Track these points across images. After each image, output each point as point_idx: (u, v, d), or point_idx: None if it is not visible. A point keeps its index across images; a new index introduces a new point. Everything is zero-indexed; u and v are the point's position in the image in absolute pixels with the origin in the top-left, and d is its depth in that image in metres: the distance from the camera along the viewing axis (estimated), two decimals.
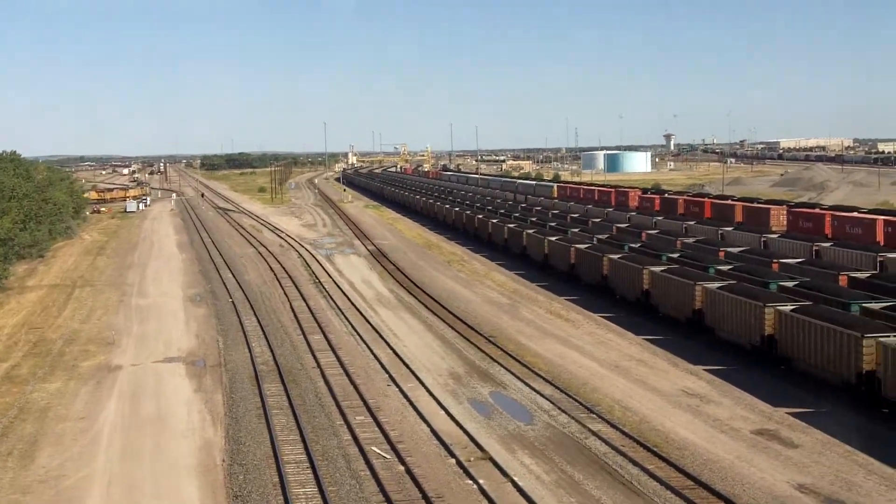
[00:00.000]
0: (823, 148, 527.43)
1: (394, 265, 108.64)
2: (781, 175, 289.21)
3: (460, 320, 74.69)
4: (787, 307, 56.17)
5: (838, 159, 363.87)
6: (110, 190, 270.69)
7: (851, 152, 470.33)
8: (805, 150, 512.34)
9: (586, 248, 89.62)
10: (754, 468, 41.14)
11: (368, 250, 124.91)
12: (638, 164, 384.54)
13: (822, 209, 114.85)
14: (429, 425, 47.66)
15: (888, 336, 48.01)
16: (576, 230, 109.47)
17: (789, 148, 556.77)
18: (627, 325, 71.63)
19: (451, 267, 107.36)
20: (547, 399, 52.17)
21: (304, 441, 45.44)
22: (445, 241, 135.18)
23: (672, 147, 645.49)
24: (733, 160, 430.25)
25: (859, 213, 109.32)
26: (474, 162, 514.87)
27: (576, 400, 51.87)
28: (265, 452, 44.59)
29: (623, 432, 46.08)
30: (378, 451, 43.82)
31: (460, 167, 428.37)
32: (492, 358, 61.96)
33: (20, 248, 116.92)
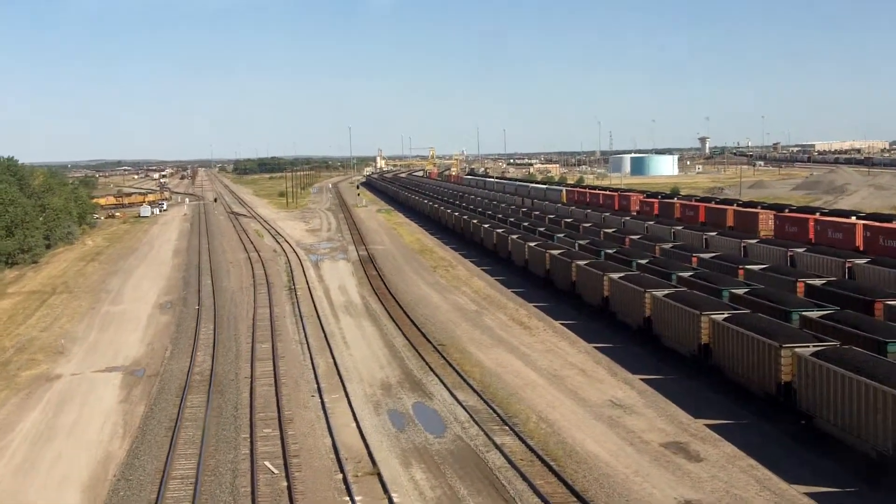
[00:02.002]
0: (858, 150, 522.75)
1: (377, 271, 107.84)
2: (806, 178, 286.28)
3: (417, 328, 73.73)
4: (721, 316, 54.82)
5: (867, 162, 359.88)
6: (129, 195, 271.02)
7: (886, 155, 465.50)
8: (839, 152, 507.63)
9: (559, 253, 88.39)
10: (647, 483, 39.97)
11: (359, 255, 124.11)
12: (664, 168, 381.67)
13: (808, 213, 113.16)
14: (333, 439, 46.69)
15: (807, 346, 46.60)
16: (561, 235, 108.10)
17: (823, 151, 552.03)
18: (583, 333, 70.47)
19: (435, 272, 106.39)
20: (467, 410, 51.08)
21: (200, 455, 44.56)
22: (440, 246, 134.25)
23: (707, 150, 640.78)
24: (762, 163, 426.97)
25: (845, 217, 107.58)
26: (505, 165, 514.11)
27: (495, 411, 50.76)
28: (157, 467, 43.85)
29: (528, 445, 44.94)
30: (270, 465, 42.94)
31: (488, 171, 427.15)
32: (431, 367, 60.96)
33: (7, 254, 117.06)
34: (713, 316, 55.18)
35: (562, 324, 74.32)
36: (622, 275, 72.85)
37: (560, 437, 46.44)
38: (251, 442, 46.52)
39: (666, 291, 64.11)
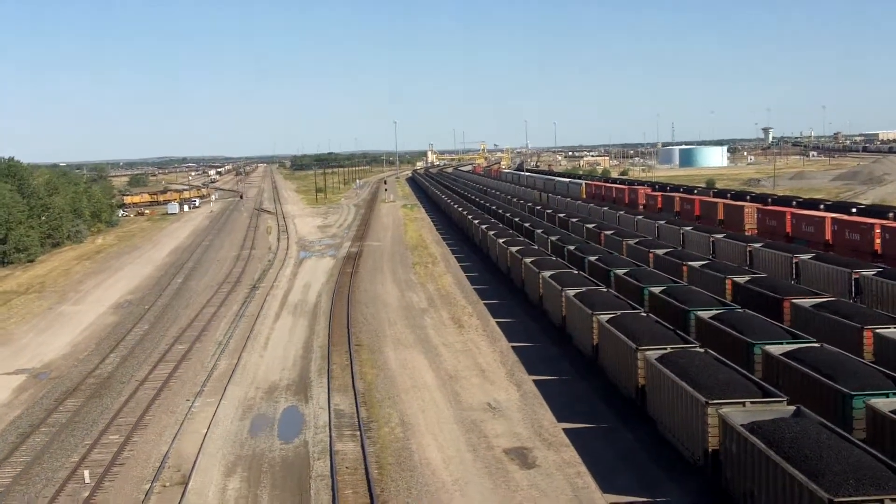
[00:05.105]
0: None
1: (354, 268, 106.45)
2: (850, 168, 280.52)
3: (347, 328, 72.29)
4: (606, 316, 52.93)
5: None
6: (165, 192, 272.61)
7: None
8: None
9: (516, 250, 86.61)
10: (459, 493, 38.29)
11: (350, 252, 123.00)
12: (713, 159, 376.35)
13: (789, 207, 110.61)
14: (172, 446, 45.50)
15: (664, 348, 44.67)
16: (540, 231, 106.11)
17: (887, 140, 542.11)
18: (512, 332, 68.71)
19: (413, 269, 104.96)
20: (333, 415, 49.64)
21: (29, 464, 43.68)
22: (438, 242, 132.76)
23: (769, 140, 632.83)
24: (815, 153, 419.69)
25: (824, 210, 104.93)
26: (560, 158, 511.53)
27: (359, 416, 49.23)
28: None
29: (363, 453, 43.38)
30: (87, 474, 41.82)
31: (538, 164, 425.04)
32: (329, 370, 59.46)
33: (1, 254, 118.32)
34: (600, 316, 53.36)
35: (498, 322, 72.60)
36: (553, 272, 71.03)
37: (405, 444, 44.83)
38: (90, 449, 45.43)
39: (577, 290, 62.25)
